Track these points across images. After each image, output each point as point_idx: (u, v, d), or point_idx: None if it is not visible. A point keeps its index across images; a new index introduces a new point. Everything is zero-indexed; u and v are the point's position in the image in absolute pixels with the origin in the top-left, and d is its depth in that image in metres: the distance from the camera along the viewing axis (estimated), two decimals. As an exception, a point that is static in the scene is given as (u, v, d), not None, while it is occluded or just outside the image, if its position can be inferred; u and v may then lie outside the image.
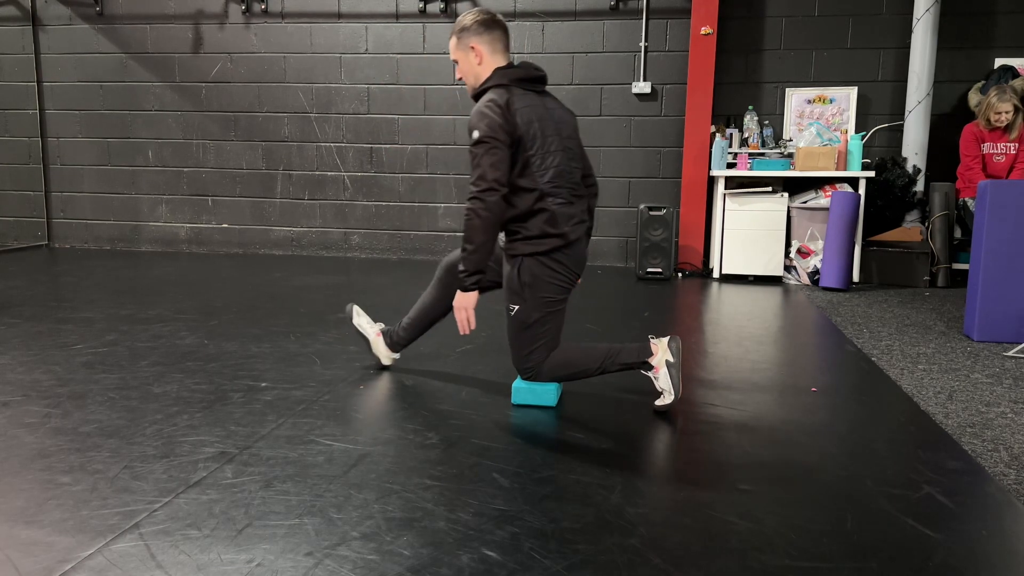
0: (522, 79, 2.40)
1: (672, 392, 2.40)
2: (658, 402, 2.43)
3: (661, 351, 2.40)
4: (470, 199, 2.28)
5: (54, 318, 3.83)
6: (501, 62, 2.43)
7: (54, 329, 3.58)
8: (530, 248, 2.37)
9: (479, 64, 2.43)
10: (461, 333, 2.52)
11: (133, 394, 2.58)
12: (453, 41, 2.47)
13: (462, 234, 2.38)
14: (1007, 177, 5.10)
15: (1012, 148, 5.09)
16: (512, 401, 2.55)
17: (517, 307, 2.41)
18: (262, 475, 1.91)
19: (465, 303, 2.39)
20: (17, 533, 1.60)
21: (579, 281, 2.54)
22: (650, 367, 2.41)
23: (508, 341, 2.48)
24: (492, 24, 2.42)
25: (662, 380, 2.40)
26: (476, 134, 2.28)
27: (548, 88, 6.11)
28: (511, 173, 2.34)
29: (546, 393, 2.52)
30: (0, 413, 2.37)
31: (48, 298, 4.40)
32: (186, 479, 1.88)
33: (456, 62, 2.49)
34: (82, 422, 2.29)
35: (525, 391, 2.53)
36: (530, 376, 2.46)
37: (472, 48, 2.42)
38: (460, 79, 2.52)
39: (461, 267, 2.35)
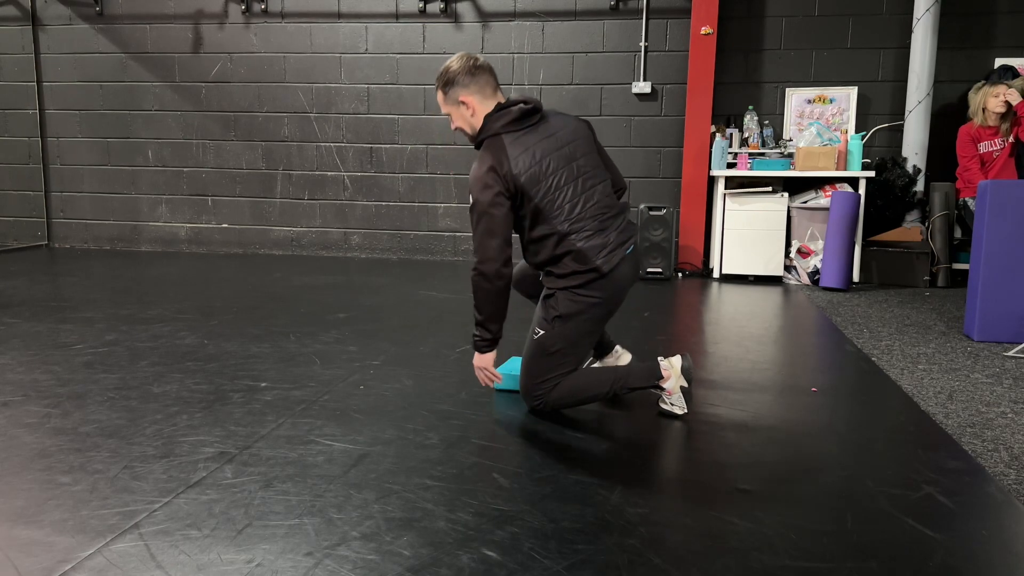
0: (515, 121, 2.28)
1: (683, 409, 2.41)
2: (663, 404, 2.43)
3: (675, 377, 2.35)
4: (472, 269, 2.26)
5: (54, 318, 3.83)
6: (492, 106, 2.31)
7: (54, 329, 3.58)
8: (563, 283, 2.30)
9: (472, 116, 2.32)
10: (483, 385, 2.52)
11: (133, 394, 2.58)
12: (440, 96, 2.35)
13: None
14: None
15: (1007, 142, 5.08)
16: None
17: (543, 332, 2.32)
18: (262, 475, 1.91)
19: (483, 363, 2.40)
20: (17, 533, 1.60)
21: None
22: (662, 389, 2.38)
23: (522, 363, 2.40)
24: (477, 70, 2.29)
25: (675, 399, 2.40)
26: (471, 199, 2.23)
27: (547, 88, 6.16)
28: (526, 226, 2.29)
29: (515, 379, 2.52)
30: (0, 413, 2.37)
31: (48, 298, 4.39)
32: (186, 479, 1.88)
33: (449, 115, 2.38)
34: (82, 422, 2.29)
35: (505, 377, 2.54)
36: (537, 406, 2.38)
37: (462, 102, 2.31)
38: (456, 130, 2.41)
39: (474, 332, 2.35)
